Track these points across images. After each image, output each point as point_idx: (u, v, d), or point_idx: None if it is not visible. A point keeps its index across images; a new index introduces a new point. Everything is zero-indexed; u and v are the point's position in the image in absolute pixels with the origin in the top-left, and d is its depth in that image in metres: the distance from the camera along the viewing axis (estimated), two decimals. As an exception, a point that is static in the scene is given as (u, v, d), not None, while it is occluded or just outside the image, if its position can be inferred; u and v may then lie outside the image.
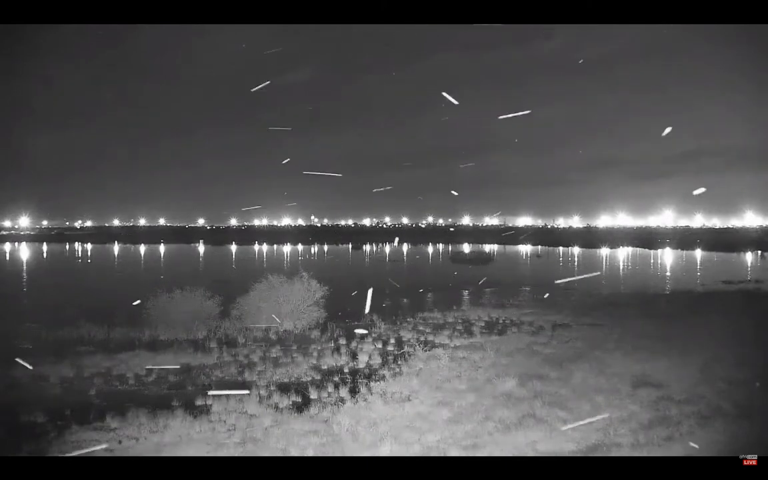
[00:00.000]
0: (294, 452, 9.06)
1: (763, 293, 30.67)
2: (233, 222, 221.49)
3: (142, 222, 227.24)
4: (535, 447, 9.13)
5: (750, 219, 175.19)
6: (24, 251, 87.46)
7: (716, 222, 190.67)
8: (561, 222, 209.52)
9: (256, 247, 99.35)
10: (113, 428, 10.10)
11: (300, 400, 11.78)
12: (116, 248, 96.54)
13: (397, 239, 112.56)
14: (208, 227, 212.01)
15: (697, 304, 25.87)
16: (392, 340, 17.74)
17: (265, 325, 19.52)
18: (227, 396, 11.80)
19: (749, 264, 59.79)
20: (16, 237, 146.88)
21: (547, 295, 29.45)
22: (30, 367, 13.83)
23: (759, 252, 77.19)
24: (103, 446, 9.35)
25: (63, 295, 31.60)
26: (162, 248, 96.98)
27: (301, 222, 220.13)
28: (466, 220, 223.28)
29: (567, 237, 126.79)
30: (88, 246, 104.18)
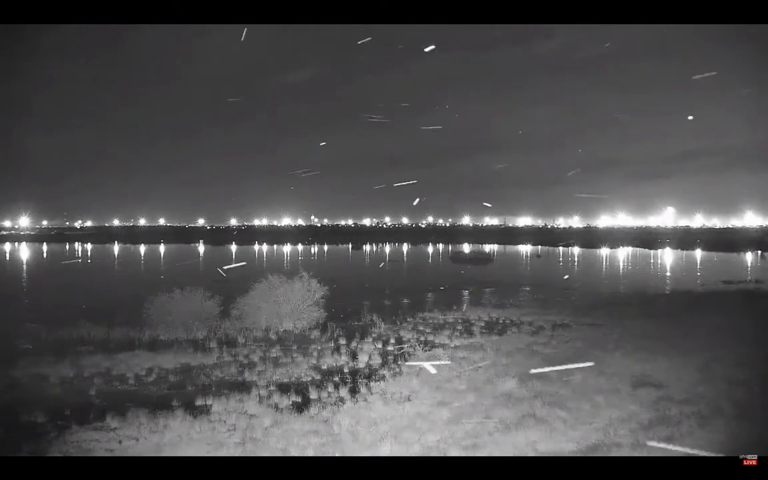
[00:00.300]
0: (294, 452, 9.05)
1: (763, 293, 30.67)
2: (233, 222, 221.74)
3: (142, 222, 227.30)
4: (535, 447, 9.13)
5: (750, 219, 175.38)
6: (24, 251, 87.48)
7: (716, 222, 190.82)
8: (561, 222, 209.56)
9: (256, 247, 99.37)
10: (113, 428, 10.10)
11: (300, 400, 11.77)
12: (116, 248, 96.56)
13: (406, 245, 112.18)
14: (208, 227, 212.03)
15: (697, 304, 25.87)
16: (392, 340, 17.74)
17: (265, 324, 19.52)
18: (227, 396, 11.81)
19: (749, 264, 59.81)
20: (16, 237, 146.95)
21: (546, 295, 29.48)
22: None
23: (759, 252, 77.21)
24: (103, 446, 9.35)
25: (63, 295, 31.60)
26: (162, 248, 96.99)
27: (301, 222, 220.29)
28: (466, 220, 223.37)
29: (567, 237, 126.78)
30: (88, 246, 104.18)
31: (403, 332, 19.00)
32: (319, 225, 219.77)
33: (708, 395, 11.39)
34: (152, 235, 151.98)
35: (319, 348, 16.75)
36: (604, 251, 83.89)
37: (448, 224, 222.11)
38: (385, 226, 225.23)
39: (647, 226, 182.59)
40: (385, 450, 9.01)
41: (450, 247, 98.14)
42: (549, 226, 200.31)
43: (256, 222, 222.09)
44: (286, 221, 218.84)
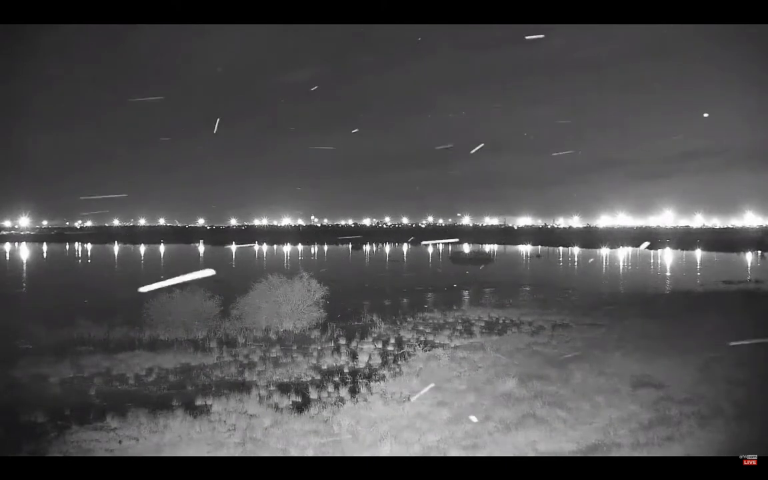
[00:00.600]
0: (294, 452, 9.05)
1: (763, 293, 30.66)
2: (233, 222, 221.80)
3: (142, 222, 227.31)
4: (535, 447, 9.13)
5: (750, 219, 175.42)
6: (24, 251, 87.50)
7: (716, 222, 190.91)
8: (561, 222, 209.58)
9: (256, 247, 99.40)
10: (113, 428, 10.10)
11: (300, 400, 11.78)
12: (116, 248, 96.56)
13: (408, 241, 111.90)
14: (208, 227, 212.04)
15: (697, 304, 25.87)
16: (392, 340, 17.74)
17: (265, 324, 19.52)
18: (227, 396, 11.81)
19: (749, 264, 59.81)
20: (16, 237, 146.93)
21: (546, 294, 29.48)
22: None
23: (759, 252, 77.20)
24: (103, 446, 9.35)
25: (63, 295, 31.59)
26: (162, 248, 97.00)
27: (301, 222, 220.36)
28: (466, 220, 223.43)
29: (567, 237, 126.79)
30: (88, 246, 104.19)
31: (403, 332, 19.00)
32: (319, 225, 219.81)
33: (708, 395, 11.39)
34: (152, 235, 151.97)
35: (319, 348, 16.75)
36: (604, 251, 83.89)
37: (447, 224, 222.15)
38: (385, 226, 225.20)
39: (647, 226, 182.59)
40: (385, 450, 9.01)
41: (450, 247, 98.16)
42: (549, 226, 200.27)
43: (256, 222, 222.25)
44: (286, 221, 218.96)
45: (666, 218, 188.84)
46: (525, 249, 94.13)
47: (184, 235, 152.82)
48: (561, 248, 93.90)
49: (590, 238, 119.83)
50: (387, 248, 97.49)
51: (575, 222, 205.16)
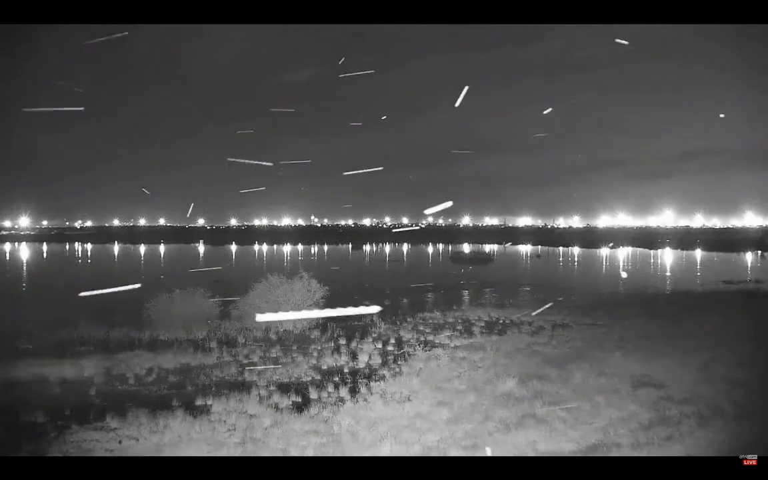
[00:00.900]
0: (294, 452, 9.06)
1: (763, 293, 30.66)
2: (233, 222, 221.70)
3: (142, 222, 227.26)
4: (535, 447, 9.13)
5: (750, 219, 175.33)
6: (24, 251, 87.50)
7: (716, 222, 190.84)
8: (561, 222, 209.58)
9: (256, 247, 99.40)
10: (113, 428, 10.10)
11: (300, 400, 11.78)
12: (116, 248, 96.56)
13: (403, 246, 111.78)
14: (208, 227, 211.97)
15: (697, 304, 25.87)
16: (392, 340, 17.73)
17: (265, 324, 19.52)
18: (227, 396, 11.81)
19: (749, 264, 59.81)
20: (16, 237, 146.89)
21: (546, 294, 29.47)
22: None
23: (759, 252, 77.20)
24: (103, 446, 9.35)
25: (63, 295, 31.56)
26: (162, 248, 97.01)
27: (301, 222, 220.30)
28: (466, 220, 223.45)
29: (567, 237, 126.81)
30: (88, 246, 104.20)
31: (403, 332, 18.99)
32: (319, 225, 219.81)
33: (708, 395, 11.39)
34: (152, 235, 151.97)
35: (319, 348, 16.75)
36: (604, 251, 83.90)
37: (447, 224, 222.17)
38: (385, 226, 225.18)
39: (647, 226, 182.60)
40: (385, 450, 9.02)
41: (450, 247, 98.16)
42: (549, 226, 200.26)
43: (256, 222, 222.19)
44: (286, 221, 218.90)
45: (666, 218, 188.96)
46: (525, 249, 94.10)
47: (184, 235, 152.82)
48: (561, 248, 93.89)
49: (590, 238, 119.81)
50: (387, 248, 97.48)
51: (575, 222, 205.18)
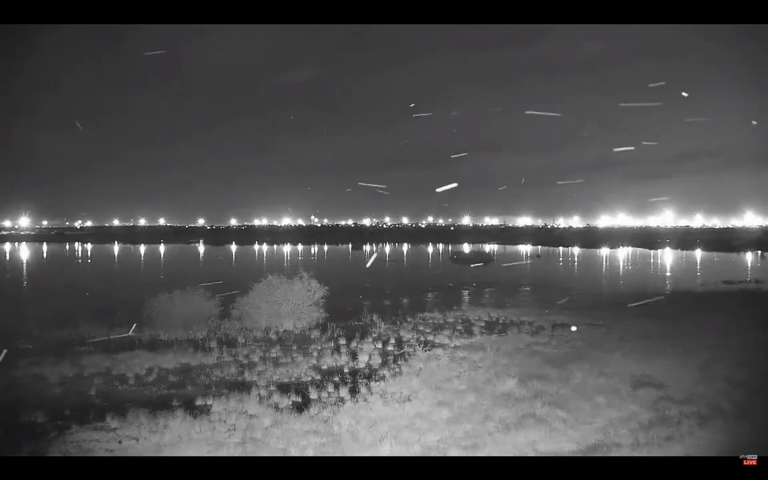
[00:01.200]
0: (294, 452, 9.05)
1: (763, 293, 30.67)
2: (233, 222, 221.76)
3: (142, 222, 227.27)
4: (535, 447, 9.13)
5: (750, 219, 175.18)
6: (24, 251, 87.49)
7: (716, 222, 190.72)
8: (561, 222, 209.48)
9: (256, 247, 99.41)
10: (113, 428, 10.10)
11: (300, 400, 11.78)
12: (116, 248, 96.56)
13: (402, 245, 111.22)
14: (208, 227, 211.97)
15: (697, 304, 25.87)
16: (392, 340, 17.73)
17: (265, 324, 19.52)
18: (227, 396, 11.81)
19: (749, 264, 59.80)
20: (16, 237, 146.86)
21: (546, 294, 29.47)
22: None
23: (759, 252, 77.17)
24: (103, 446, 9.35)
25: (63, 295, 31.58)
26: (162, 248, 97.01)
27: (301, 222, 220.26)
28: (466, 220, 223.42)
29: (567, 237, 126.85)
30: (88, 246, 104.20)
31: (403, 332, 18.99)
32: (319, 225, 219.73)
33: (708, 395, 11.39)
34: (152, 235, 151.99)
35: (319, 348, 16.75)
36: (604, 251, 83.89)
37: (447, 224, 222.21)
38: (385, 226, 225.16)
39: (647, 226, 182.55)
40: (385, 450, 9.02)
41: (450, 247, 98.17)
42: (549, 226, 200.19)
43: (256, 222, 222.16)
44: (286, 221, 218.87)
45: (666, 218, 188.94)
46: (525, 249, 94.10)
47: (184, 235, 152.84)
48: (561, 248, 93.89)
49: (590, 238, 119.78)
50: (387, 248, 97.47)
51: (575, 222, 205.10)
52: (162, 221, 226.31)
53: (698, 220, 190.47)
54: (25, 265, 63.14)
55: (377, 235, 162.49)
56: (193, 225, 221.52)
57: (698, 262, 64.58)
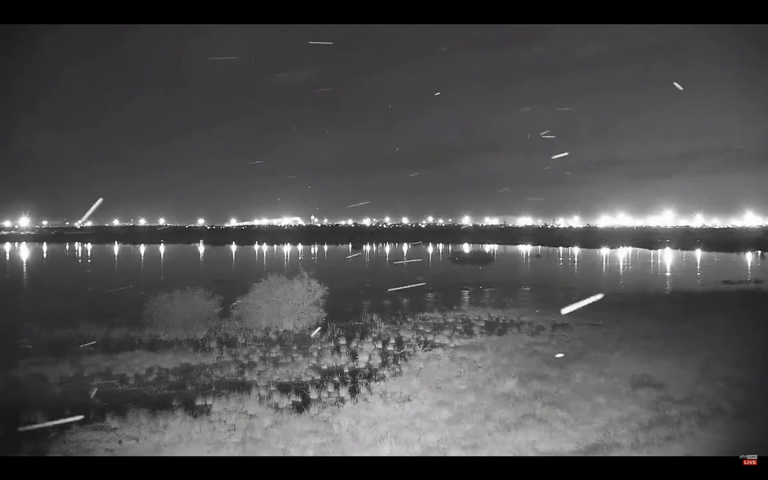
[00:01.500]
0: (294, 452, 9.05)
1: (763, 293, 30.66)
2: (233, 222, 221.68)
3: (142, 222, 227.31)
4: (535, 447, 9.13)
5: (750, 219, 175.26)
6: (24, 251, 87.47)
7: (716, 222, 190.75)
8: (561, 222, 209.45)
9: (256, 247, 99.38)
10: (113, 428, 10.10)
11: (300, 400, 11.78)
12: (116, 248, 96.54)
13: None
14: (208, 227, 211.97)
15: (697, 304, 25.86)
16: (392, 340, 17.73)
17: (265, 324, 19.52)
18: (227, 396, 11.81)
19: (749, 264, 59.79)
20: (16, 237, 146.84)
21: (546, 294, 29.47)
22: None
23: (759, 252, 77.16)
24: (103, 446, 9.35)
25: (63, 295, 31.58)
26: (162, 248, 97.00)
27: (300, 222, 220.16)
28: (466, 220, 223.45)
29: (567, 237, 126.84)
30: (88, 246, 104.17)
31: (403, 332, 18.98)
32: (319, 225, 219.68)
33: (708, 395, 11.40)
34: (152, 235, 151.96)
35: (319, 348, 16.75)
36: (604, 251, 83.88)
37: (447, 224, 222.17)
38: (385, 226, 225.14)
39: (647, 226, 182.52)
40: (385, 450, 9.01)
41: (450, 247, 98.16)
42: (549, 226, 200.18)
43: (256, 222, 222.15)
44: (286, 221, 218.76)
45: (666, 218, 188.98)
46: (525, 249, 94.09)
47: (184, 235, 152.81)
48: (561, 248, 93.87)
49: (590, 238, 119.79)
50: (387, 248, 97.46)
51: (575, 222, 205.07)
52: (162, 221, 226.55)
53: (698, 220, 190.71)
54: (24, 265, 63.13)
55: (377, 235, 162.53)
56: (193, 225, 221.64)
57: (698, 262, 64.57)
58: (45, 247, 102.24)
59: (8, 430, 9.96)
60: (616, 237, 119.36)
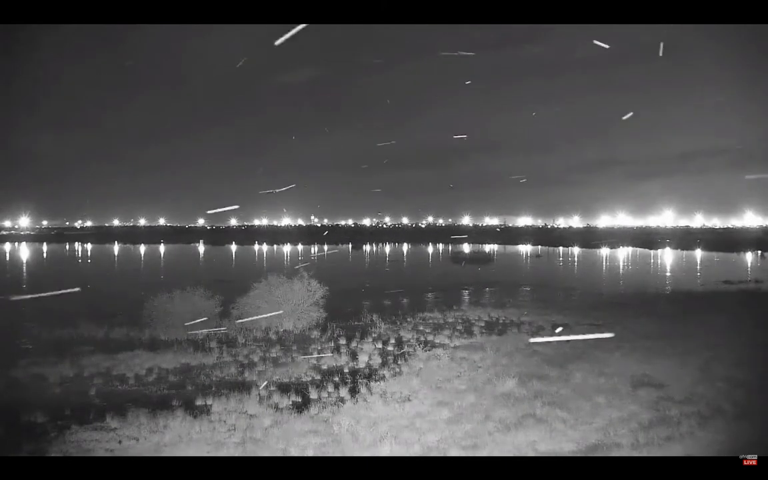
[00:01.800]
0: (294, 452, 9.05)
1: (763, 293, 30.66)
2: (233, 222, 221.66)
3: (142, 222, 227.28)
4: (535, 447, 9.13)
5: (750, 219, 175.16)
6: (24, 251, 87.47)
7: (716, 222, 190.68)
8: (561, 222, 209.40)
9: (256, 247, 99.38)
10: (113, 428, 10.10)
11: (300, 400, 11.77)
12: (116, 248, 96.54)
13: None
14: (208, 227, 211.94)
15: (697, 304, 25.86)
16: (392, 340, 17.73)
17: (265, 324, 19.51)
18: (227, 396, 11.81)
19: (749, 264, 59.79)
20: (16, 237, 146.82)
21: (546, 294, 29.47)
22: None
23: (759, 252, 77.16)
24: (103, 446, 9.35)
25: (63, 294, 31.55)
26: (162, 248, 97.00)
27: (301, 222, 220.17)
28: (466, 220, 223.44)
29: (567, 237, 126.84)
30: (88, 246, 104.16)
31: (403, 332, 18.98)
32: (319, 225, 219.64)
33: (708, 395, 11.39)
34: (152, 235, 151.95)
35: (319, 348, 16.75)
36: (604, 251, 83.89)
37: (447, 224, 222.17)
38: (385, 226, 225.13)
39: (647, 226, 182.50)
40: (385, 450, 9.01)
41: (450, 247, 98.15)
42: (549, 226, 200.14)
43: (256, 222, 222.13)
44: (286, 221, 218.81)
45: (666, 218, 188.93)
46: (525, 249, 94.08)
47: (184, 235, 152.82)
48: (561, 248, 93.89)
49: (590, 237, 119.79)
50: (387, 248, 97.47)
51: (575, 222, 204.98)
52: (162, 221, 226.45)
53: (698, 220, 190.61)
54: (24, 264, 63.12)
55: (377, 235, 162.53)
56: (193, 225, 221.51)
57: (698, 262, 64.57)
58: (45, 247, 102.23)
59: (8, 430, 9.96)
60: (616, 237, 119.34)
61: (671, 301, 27.81)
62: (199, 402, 11.60)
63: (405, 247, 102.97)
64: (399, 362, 14.96)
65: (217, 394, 12.10)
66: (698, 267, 57.44)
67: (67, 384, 13.17)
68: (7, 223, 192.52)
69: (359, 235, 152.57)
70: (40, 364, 14.46)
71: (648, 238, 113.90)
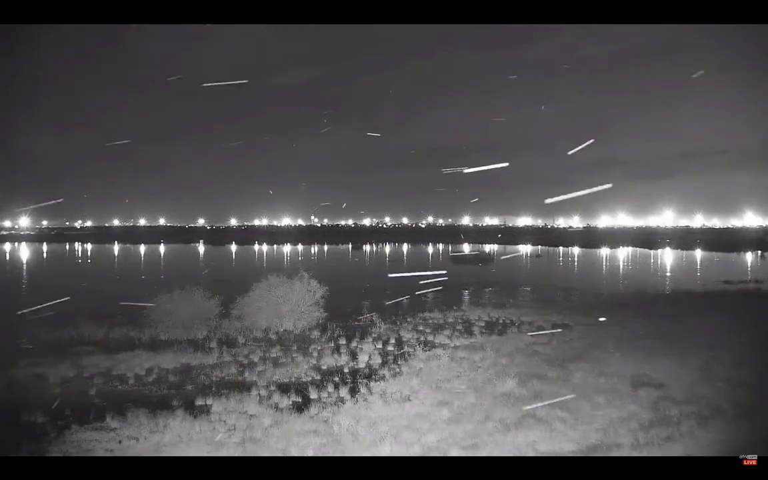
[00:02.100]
0: (294, 452, 9.05)
1: (763, 293, 30.65)
2: (233, 222, 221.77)
3: (142, 222, 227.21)
4: (535, 447, 9.13)
5: (750, 219, 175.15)
6: (24, 251, 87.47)
7: (716, 222, 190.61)
8: (561, 222, 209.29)
9: (256, 247, 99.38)
10: (113, 428, 10.10)
11: (300, 400, 11.78)
12: (116, 248, 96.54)
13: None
14: (208, 227, 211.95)
15: (697, 304, 25.86)
16: (392, 340, 17.73)
17: (265, 324, 19.51)
18: (227, 396, 11.81)
19: (749, 264, 59.79)
20: (16, 237, 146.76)
21: (546, 294, 29.47)
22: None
23: (759, 252, 77.17)
24: (103, 446, 9.35)
25: (63, 294, 31.54)
26: (162, 248, 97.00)
27: (301, 222, 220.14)
28: (465, 220, 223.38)
29: (567, 237, 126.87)
30: (88, 246, 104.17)
31: (403, 332, 18.98)
32: (319, 225, 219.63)
33: (708, 395, 11.39)
34: (152, 235, 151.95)
35: (319, 348, 16.75)
36: (605, 251, 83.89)
37: (447, 224, 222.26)
38: (385, 226, 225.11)
39: (647, 226, 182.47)
40: (385, 450, 9.01)
41: (450, 247, 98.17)
42: (549, 226, 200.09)
43: (256, 222, 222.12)
44: (286, 221, 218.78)
45: (666, 218, 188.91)
46: (525, 249, 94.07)
47: (184, 235, 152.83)
48: (561, 248, 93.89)
49: (590, 238, 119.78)
50: (387, 248, 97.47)
51: (575, 222, 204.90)
52: (162, 221, 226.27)
53: (698, 220, 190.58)
54: (25, 264, 63.12)
55: (377, 235, 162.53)
56: (193, 225, 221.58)
57: (698, 262, 64.58)
58: (45, 247, 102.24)
59: (8, 430, 9.96)
60: (616, 237, 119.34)
61: (671, 301, 27.81)
62: (199, 402, 11.60)
63: (405, 247, 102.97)
64: (399, 362, 14.96)
65: (217, 394, 12.11)
66: (698, 267, 57.44)
67: (67, 384, 13.17)
68: (7, 223, 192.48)
69: (359, 235, 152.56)
70: (40, 364, 14.45)
71: (648, 238, 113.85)
